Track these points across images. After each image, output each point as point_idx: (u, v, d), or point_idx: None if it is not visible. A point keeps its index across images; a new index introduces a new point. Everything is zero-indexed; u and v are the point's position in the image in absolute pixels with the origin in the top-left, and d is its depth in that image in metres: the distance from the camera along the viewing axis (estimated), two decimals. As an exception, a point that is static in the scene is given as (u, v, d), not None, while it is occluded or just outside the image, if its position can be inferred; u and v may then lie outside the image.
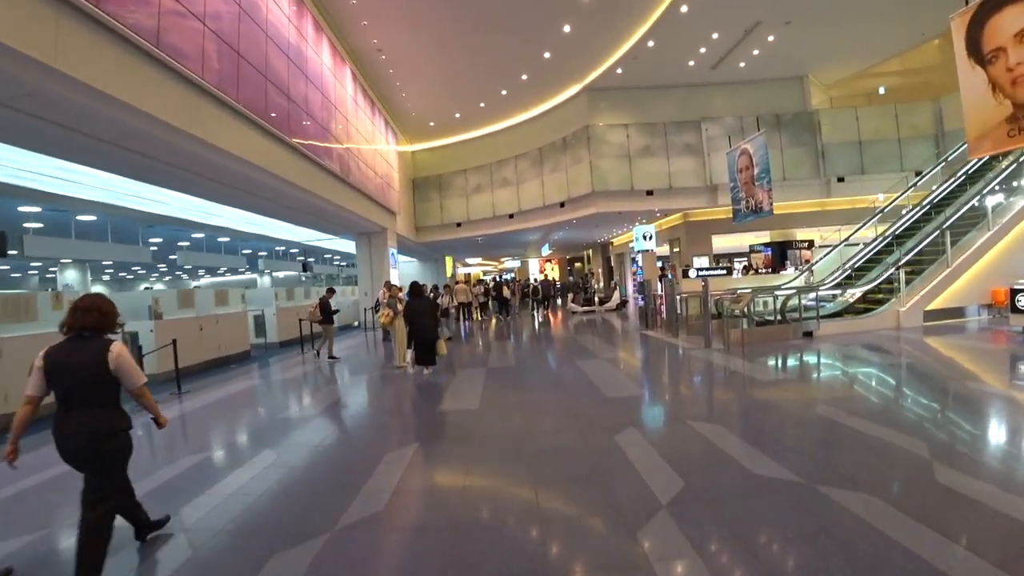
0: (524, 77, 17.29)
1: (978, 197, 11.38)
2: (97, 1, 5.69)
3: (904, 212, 13.60)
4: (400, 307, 8.94)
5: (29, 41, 5.03)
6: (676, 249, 21.35)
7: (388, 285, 12.06)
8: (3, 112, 6.10)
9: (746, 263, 20.92)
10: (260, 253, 28.57)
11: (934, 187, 14.02)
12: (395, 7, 12.75)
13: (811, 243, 19.32)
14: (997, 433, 4.26)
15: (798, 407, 5.20)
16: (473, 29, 13.95)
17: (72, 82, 5.66)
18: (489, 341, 13.21)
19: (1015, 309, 8.78)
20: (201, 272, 40.84)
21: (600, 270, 33.50)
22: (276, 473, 4.23)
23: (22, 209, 13.29)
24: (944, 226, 10.80)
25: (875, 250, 12.81)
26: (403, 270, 29.02)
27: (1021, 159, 11.50)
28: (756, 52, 16.14)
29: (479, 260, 41.97)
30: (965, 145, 14.61)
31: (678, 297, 11.36)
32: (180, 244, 22.40)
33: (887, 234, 12.93)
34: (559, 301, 26.26)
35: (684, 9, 13.29)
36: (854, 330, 10.09)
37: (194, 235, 20.15)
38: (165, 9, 6.93)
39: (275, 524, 3.33)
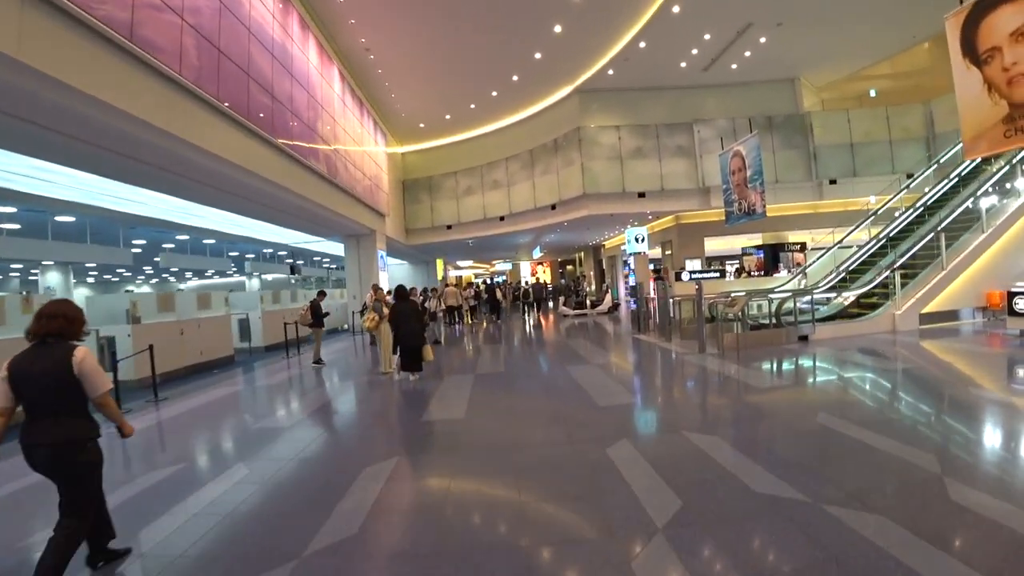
0: (515, 78, 17.10)
1: (972, 199, 11.28)
2: (63, -10, 5.41)
3: (897, 214, 13.52)
4: (386, 311, 8.67)
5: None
6: (668, 252, 21.22)
7: (375, 288, 11.77)
8: (-35, 107, 5.81)
9: (738, 266, 20.82)
10: (248, 255, 28.13)
11: (926, 189, 13.96)
12: (383, 6, 12.51)
13: (803, 246, 19.25)
14: (1008, 445, 4.07)
15: (798, 416, 4.99)
16: (463, 29, 13.72)
17: (38, 76, 5.38)
18: (479, 345, 12.95)
19: (1012, 312, 8.65)
20: (188, 275, 40.23)
21: (592, 273, 33.35)
22: (246, 490, 3.95)
23: (-4, 209, 12.90)
24: (939, 228, 10.69)
25: (869, 252, 12.70)
26: (393, 273, 28.71)
27: (1014, 161, 11.42)
28: (748, 54, 16.05)
29: (470, 263, 41.72)
30: (957, 147, 14.72)
31: (671, 300, 11.17)
32: (165, 246, 21.95)
33: (881, 236, 12.82)
34: (550, 304, 26.03)
35: (676, 10, 13.16)
36: (850, 334, 9.94)
37: (178, 237, 19.72)
38: (139, 2, 6.64)
39: (239, 549, 3.06)
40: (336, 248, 23.74)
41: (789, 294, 10.31)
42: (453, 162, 22.55)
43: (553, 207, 19.12)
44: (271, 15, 10.55)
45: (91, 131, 6.88)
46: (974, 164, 13.21)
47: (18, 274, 31.38)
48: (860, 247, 13.20)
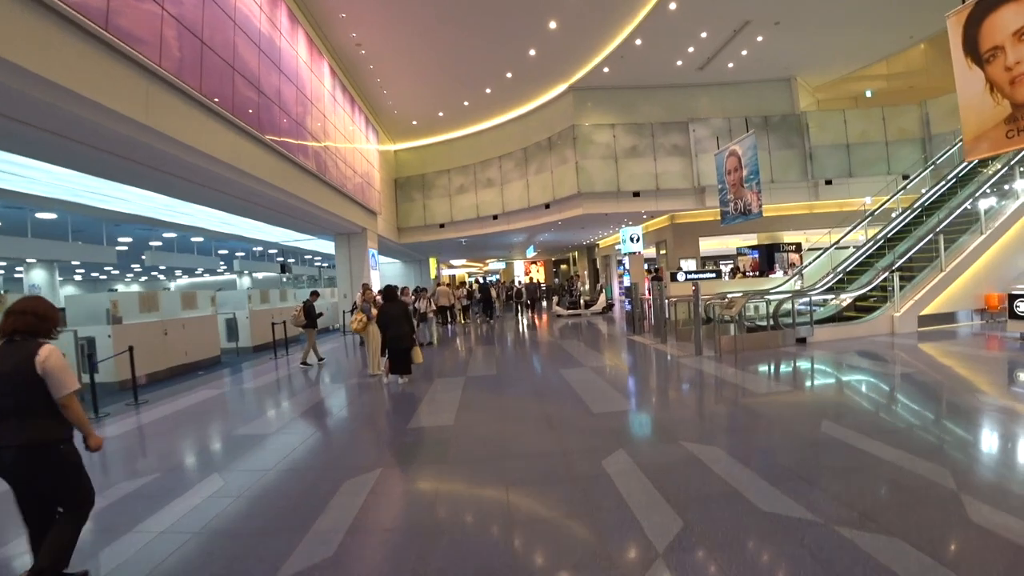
0: (509, 75, 16.85)
1: (971, 200, 11.17)
2: (29, -26, 5.12)
3: (894, 215, 13.41)
4: (374, 311, 8.41)
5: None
6: (663, 252, 21.05)
7: (364, 288, 11.53)
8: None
9: (732, 266, 20.69)
10: (238, 253, 27.76)
11: (923, 190, 13.86)
12: (375, 0, 12.22)
13: (798, 246, 19.16)
14: None
15: (802, 426, 4.79)
16: (456, 24, 13.45)
17: (4, 64, 5.08)
18: (471, 346, 12.72)
19: (1013, 315, 8.52)
20: (178, 273, 39.74)
21: (586, 272, 33.17)
22: (219, 505, 3.70)
23: (-26, 206, 12.54)
24: (938, 230, 10.56)
25: (867, 253, 12.58)
26: (386, 272, 28.46)
27: (1012, 162, 11.32)
28: (744, 53, 15.89)
29: (464, 262, 41.44)
30: (953, 148, 14.66)
31: (667, 301, 10.98)
32: (152, 244, 21.56)
33: (878, 237, 12.70)
34: (544, 304, 25.83)
35: (673, 6, 12.96)
36: (848, 336, 9.79)
37: (165, 235, 19.37)
38: (115, -12, 6.35)
39: (205, 574, 2.82)
40: (328, 246, 23.44)
41: (787, 295, 10.14)
42: (446, 160, 22.29)
43: (547, 206, 18.90)
44: (258, 7, 10.25)
45: (61, 123, 6.56)
46: (971, 165, 13.13)
47: (2, 272, 30.85)
48: (857, 248, 13.07)
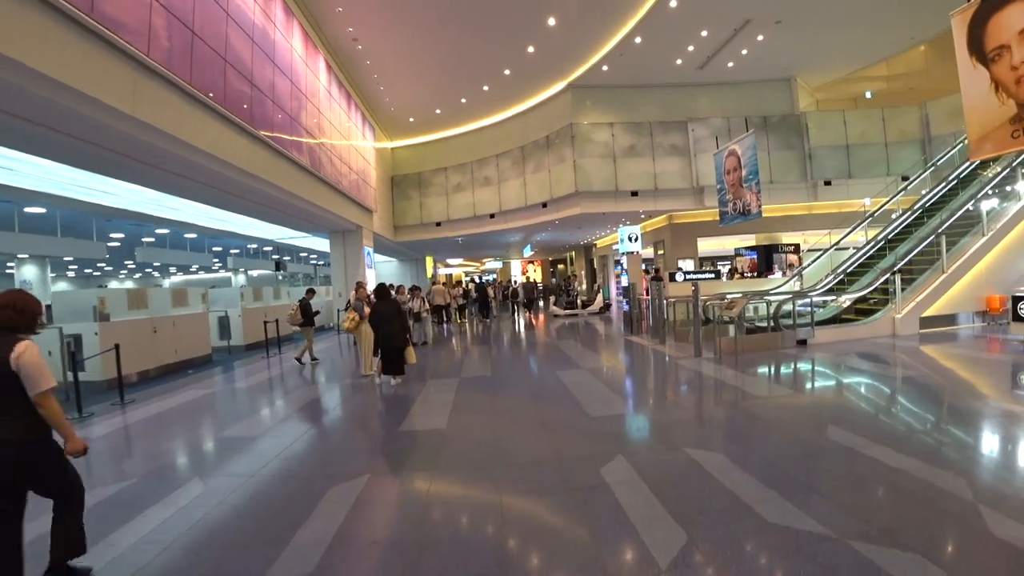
0: (507, 72, 16.65)
1: (972, 201, 11.05)
2: (7, -45, 4.91)
3: (894, 216, 13.29)
4: (367, 310, 8.22)
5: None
6: (661, 252, 20.91)
7: (359, 286, 11.34)
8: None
9: (730, 266, 20.55)
10: (232, 251, 27.46)
11: (923, 191, 13.75)
12: (371, -7, 12.04)
13: (796, 247, 19.04)
14: (1035, 465, 3.74)
15: (807, 431, 4.62)
16: (455, 20, 13.25)
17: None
18: (466, 347, 12.53)
19: (1017, 317, 8.39)
20: (172, 270, 39.36)
21: (583, 272, 33.01)
22: (195, 514, 3.51)
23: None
24: (940, 231, 10.43)
25: (867, 255, 12.44)
26: (382, 270, 28.21)
27: (1014, 163, 11.21)
28: (745, 52, 15.74)
29: (460, 261, 41.23)
30: (953, 150, 14.55)
31: (665, 301, 10.81)
32: (145, 240, 21.25)
33: (879, 238, 12.56)
34: (541, 304, 25.65)
35: (674, 4, 12.79)
36: (849, 338, 9.65)
37: (158, 231, 19.09)
38: (100, -26, 6.13)
39: (175, 591, 2.64)
40: (324, 244, 23.21)
41: (788, 296, 9.99)
42: (443, 158, 22.08)
43: (544, 205, 18.71)
44: (251, -2, 10.04)
45: (40, 111, 6.32)
46: (972, 166, 13.02)
47: (-8, 268, 30.46)
48: (857, 249, 12.94)
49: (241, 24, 9.63)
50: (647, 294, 11.93)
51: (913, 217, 12.75)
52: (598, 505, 3.28)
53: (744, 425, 5.02)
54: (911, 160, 16.57)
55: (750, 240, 20.10)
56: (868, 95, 20.34)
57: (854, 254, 12.75)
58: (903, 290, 10.14)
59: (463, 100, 18.80)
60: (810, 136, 17.16)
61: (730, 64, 16.54)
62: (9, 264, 25.74)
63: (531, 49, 15.07)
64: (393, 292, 13.30)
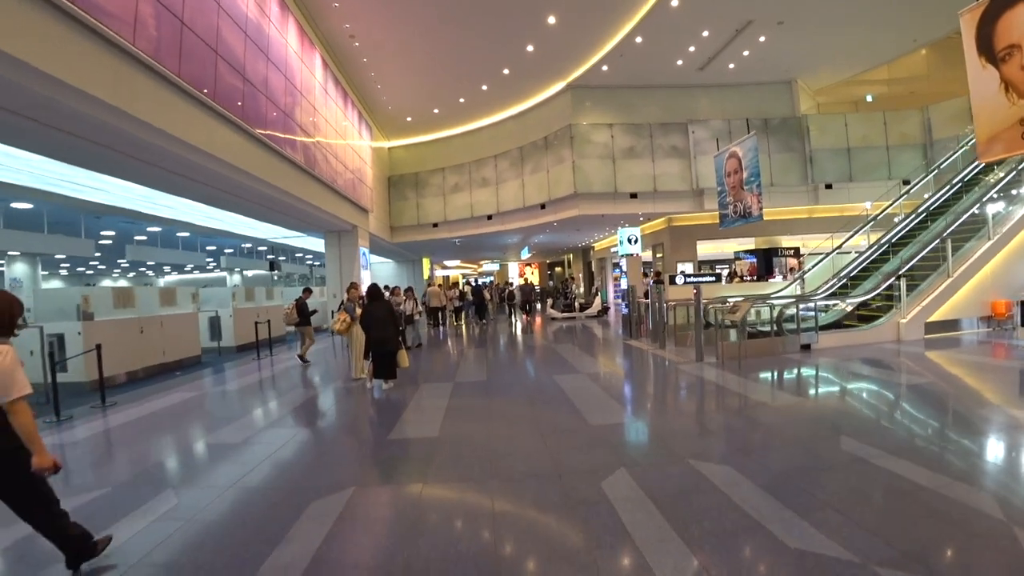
0: (506, 72, 16.45)
1: (978, 205, 10.87)
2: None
3: (897, 220, 13.10)
4: (358, 311, 7.95)
5: None
6: (659, 255, 20.70)
7: (352, 286, 11.09)
8: None
9: (729, 270, 20.31)
10: (226, 250, 27.16)
11: (926, 195, 13.57)
12: (367, -11, 11.81)
13: (796, 251, 18.85)
14: (1064, 481, 3.50)
15: (820, 442, 4.38)
16: (453, 17, 13.03)
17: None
18: (461, 349, 12.27)
19: (1025, 324, 8.19)
20: (167, 269, 38.98)
21: (581, 275, 32.79)
22: (165, 531, 3.24)
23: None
24: (945, 234, 10.24)
25: (871, 259, 12.25)
26: (378, 271, 27.95)
27: (1021, 166, 11.04)
28: (746, 53, 15.58)
29: (458, 263, 40.98)
30: (956, 153, 14.39)
31: (666, 305, 10.59)
32: (137, 238, 20.95)
33: (883, 242, 12.37)
34: (538, 306, 25.39)
35: (675, 3, 12.61)
36: (854, 343, 9.43)
37: (149, 229, 18.80)
38: (82, -41, 5.88)
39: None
40: (320, 244, 22.94)
41: (792, 300, 9.77)
42: (440, 158, 21.84)
43: (543, 206, 18.49)
44: (244, -9, 9.80)
45: (23, 102, 6.07)
46: (976, 170, 12.86)
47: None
48: (860, 253, 12.74)
49: (233, 16, 9.39)
50: (646, 297, 11.69)
51: (917, 221, 12.57)
52: (600, 525, 3.03)
53: (751, 435, 4.78)
54: (913, 164, 16.41)
55: (749, 244, 19.90)
56: (869, 99, 20.22)
57: (857, 258, 12.54)
58: (908, 295, 9.94)
59: (461, 100, 18.59)
60: (811, 139, 16.97)
61: (731, 65, 16.37)
62: (-1, 261, 25.39)
63: (530, 48, 14.86)
64: (388, 293, 13.09)
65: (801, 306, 10.07)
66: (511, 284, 25.41)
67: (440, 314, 17.70)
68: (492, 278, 40.50)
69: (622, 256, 18.00)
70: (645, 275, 20.12)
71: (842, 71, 17.85)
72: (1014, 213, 10.31)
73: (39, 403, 6.74)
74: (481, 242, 24.42)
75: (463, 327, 18.38)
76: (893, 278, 10.07)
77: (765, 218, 12.62)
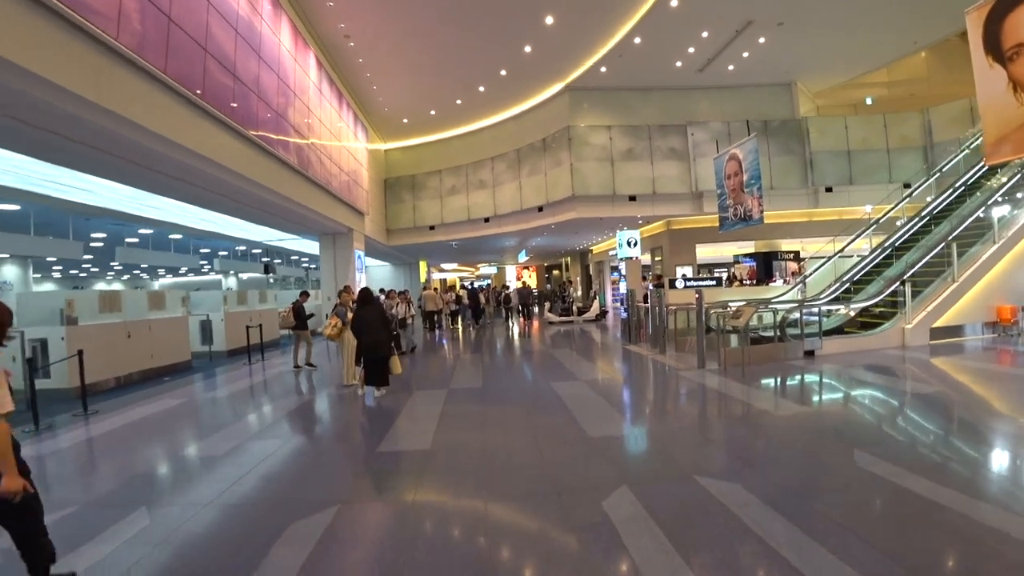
0: (503, 73, 16.25)
1: (983, 208, 10.69)
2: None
3: (899, 223, 12.92)
4: (349, 316, 7.71)
5: None
6: (658, 258, 20.51)
7: (346, 290, 10.86)
8: None
9: (728, 274, 20.13)
10: (220, 252, 26.88)
11: (928, 199, 13.40)
12: (362, -12, 11.60)
13: (796, 254, 18.68)
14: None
15: (832, 457, 4.15)
16: (449, 16, 12.82)
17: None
18: (457, 354, 12.03)
19: (1035, 330, 7.99)
20: (161, 272, 38.64)
21: (579, 278, 32.59)
22: (134, 555, 3.00)
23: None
24: (951, 238, 10.06)
25: (874, 263, 12.06)
26: (375, 274, 27.71)
27: (1025, 170, 10.88)
28: (746, 55, 15.42)
29: (455, 266, 40.74)
30: (958, 156, 14.23)
31: (666, 309, 10.36)
32: (128, 241, 20.65)
33: (886, 246, 12.18)
34: (535, 310, 25.16)
35: (674, 3, 12.43)
36: (858, 349, 9.22)
37: (141, 231, 18.51)
38: (61, -50, 5.65)
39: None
40: (316, 247, 22.69)
41: (795, 304, 9.56)
42: (437, 160, 21.62)
43: (540, 209, 18.27)
44: (235, -12, 9.57)
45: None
46: (979, 173, 12.70)
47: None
48: (863, 257, 12.54)
49: (224, 13, 9.16)
50: (645, 301, 11.46)
51: (921, 224, 12.39)
52: (602, 551, 2.80)
53: (760, 449, 4.55)
54: (913, 167, 16.26)
55: (748, 247, 19.73)
56: (868, 101, 20.09)
57: (859, 262, 12.35)
58: (912, 300, 9.75)
59: (458, 101, 18.39)
60: (811, 141, 16.82)
61: (731, 67, 16.21)
62: (-10, 264, 25.03)
63: (528, 49, 14.68)
64: (383, 296, 12.84)
65: (804, 311, 9.86)
66: (508, 287, 25.10)
67: (436, 318, 17.44)
68: (490, 281, 40.26)
69: (621, 259, 17.80)
70: (644, 278, 19.95)
71: (842, 73, 17.72)
72: (1020, 216, 10.14)
73: (18, 411, 6.46)
74: (478, 245, 24.19)
75: (459, 331, 18.13)
76: (898, 283, 9.88)
77: (765, 221, 12.44)
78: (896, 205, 13.53)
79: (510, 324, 20.14)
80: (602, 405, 6.22)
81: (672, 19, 13.16)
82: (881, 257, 12.05)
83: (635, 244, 16.91)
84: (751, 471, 3.89)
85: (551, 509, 3.38)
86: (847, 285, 11.77)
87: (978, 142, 13.61)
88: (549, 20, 13.18)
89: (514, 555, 2.88)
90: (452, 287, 28.95)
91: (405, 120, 20.18)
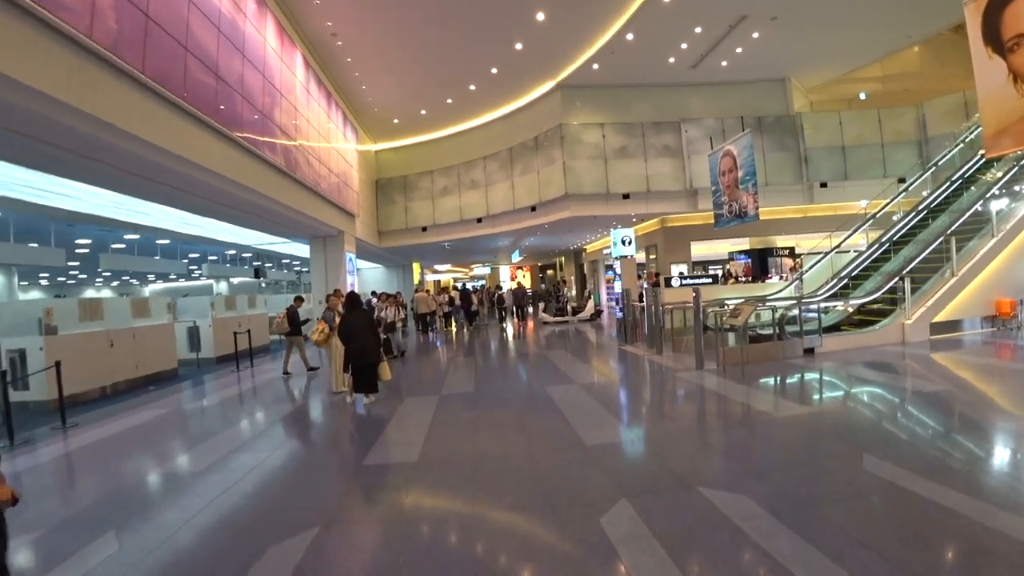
0: (494, 71, 16.04)
1: (981, 202, 10.57)
2: None
3: (896, 218, 12.80)
4: (337, 320, 7.47)
5: None
6: (653, 256, 20.35)
7: (335, 294, 10.61)
8: None
9: (723, 271, 20.00)
10: (210, 257, 26.52)
11: (924, 193, 13.30)
12: (349, -16, 11.36)
13: (791, 251, 18.57)
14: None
15: (841, 463, 3.95)
16: (438, 13, 12.59)
17: None
18: (449, 357, 11.80)
19: (1037, 324, 7.86)
20: (151, 278, 38.13)
21: (573, 278, 32.41)
22: (93, 586, 2.77)
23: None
24: (949, 232, 9.93)
25: (872, 258, 11.92)
26: (367, 277, 27.42)
27: (1023, 162, 10.77)
28: (739, 50, 15.28)
29: (448, 267, 40.49)
30: (954, 150, 14.15)
31: (662, 308, 10.18)
32: (114, 247, 20.26)
33: (883, 241, 12.04)
34: (529, 310, 24.97)
35: (667, -2, 12.26)
36: (858, 345, 9.07)
37: (127, 237, 18.16)
38: (28, -57, 5.39)
39: None
40: (307, 250, 22.38)
41: (794, 301, 9.40)
42: (429, 161, 21.38)
43: (533, 208, 18.07)
44: (217, -15, 9.31)
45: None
46: (975, 166, 12.60)
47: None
48: (860, 253, 12.41)
49: (205, 10, 8.90)
50: (641, 300, 11.27)
51: (918, 219, 12.27)
52: (600, 573, 2.59)
53: (765, 455, 4.35)
54: (908, 162, 16.17)
55: (743, 244, 19.61)
56: (862, 96, 20.02)
57: (857, 258, 12.21)
58: (912, 295, 9.61)
59: (449, 100, 18.17)
60: (805, 137, 16.70)
61: (724, 63, 16.07)
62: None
63: (519, 46, 14.47)
64: (376, 300, 12.60)
65: (809, 307, 9.71)
66: (502, 288, 24.89)
67: (429, 320, 17.21)
68: (483, 282, 40.03)
69: (616, 258, 17.62)
70: (639, 277, 19.78)
71: (836, 68, 17.61)
72: (1018, 210, 10.03)
73: (-8, 426, 6.24)
74: (471, 245, 23.97)
75: (453, 333, 17.89)
76: (897, 278, 9.73)
77: (760, 217, 12.30)
78: (892, 200, 13.40)
79: (504, 325, 19.92)
80: (598, 410, 6.01)
81: (665, 14, 13.00)
82: (879, 252, 11.91)
83: (629, 242, 16.73)
84: (756, 480, 3.69)
85: (546, 526, 3.16)
86: (845, 281, 11.63)
87: (973, 136, 13.53)
88: (540, 17, 12.99)
89: (507, 580, 2.67)
90: (446, 288, 28.69)
91: (396, 120, 19.94)
